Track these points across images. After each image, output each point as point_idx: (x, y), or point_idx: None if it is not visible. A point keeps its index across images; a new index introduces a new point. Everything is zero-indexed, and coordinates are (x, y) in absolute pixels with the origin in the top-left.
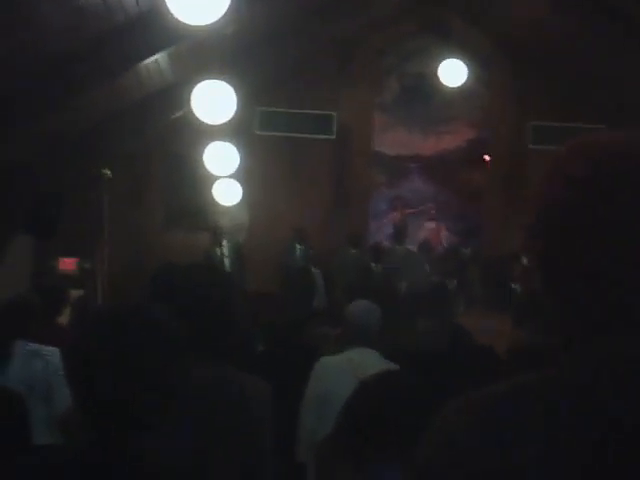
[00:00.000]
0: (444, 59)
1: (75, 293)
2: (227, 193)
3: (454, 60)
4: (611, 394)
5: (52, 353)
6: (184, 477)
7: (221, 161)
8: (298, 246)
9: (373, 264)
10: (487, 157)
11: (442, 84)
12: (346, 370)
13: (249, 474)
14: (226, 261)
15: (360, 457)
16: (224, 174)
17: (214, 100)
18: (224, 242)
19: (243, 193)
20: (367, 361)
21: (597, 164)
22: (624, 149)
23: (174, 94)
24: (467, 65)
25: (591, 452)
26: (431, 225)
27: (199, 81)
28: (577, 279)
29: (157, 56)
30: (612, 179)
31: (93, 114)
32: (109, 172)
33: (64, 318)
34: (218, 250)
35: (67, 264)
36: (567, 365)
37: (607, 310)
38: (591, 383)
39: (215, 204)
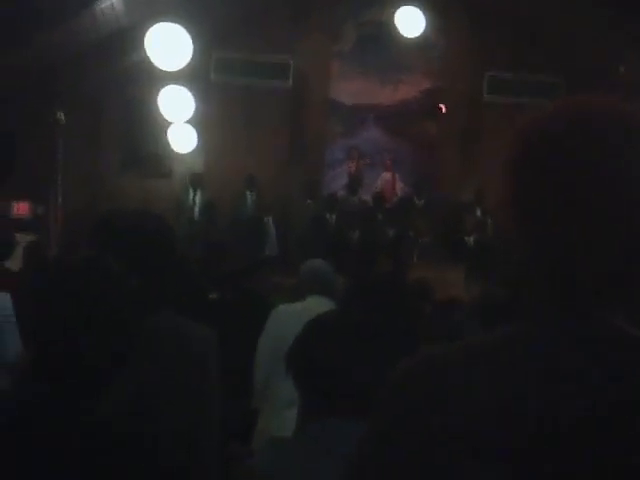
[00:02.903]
0: (402, 7)
1: (28, 238)
2: (182, 139)
3: (412, 8)
4: (573, 365)
5: (1, 298)
6: (134, 428)
7: (176, 106)
8: (249, 193)
9: (327, 214)
10: (443, 107)
11: (399, 33)
12: (302, 317)
13: (198, 420)
14: (196, 210)
15: (311, 408)
16: (179, 120)
17: (169, 44)
18: (198, 191)
19: (198, 140)
20: (324, 308)
21: (572, 122)
22: (602, 112)
23: (129, 37)
24: (425, 14)
25: (540, 423)
26: (386, 176)
27: (154, 24)
28: (547, 227)
29: None
30: (583, 138)
31: (47, 55)
32: (63, 115)
33: (14, 263)
34: (190, 198)
35: (21, 208)
36: (530, 328)
37: (572, 264)
38: (554, 351)
39: (171, 150)
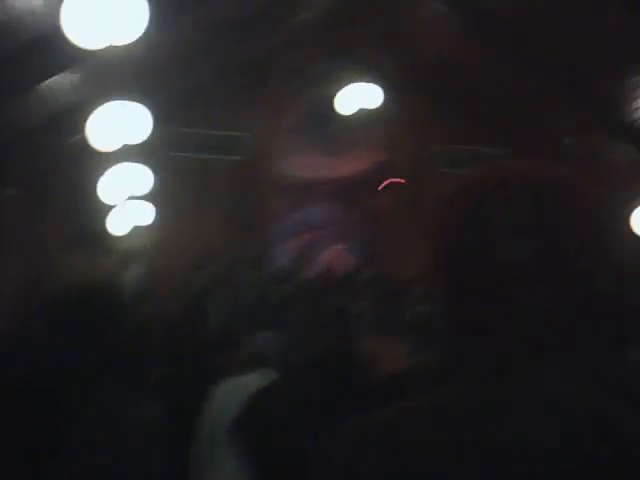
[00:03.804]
0: (352, 82)
1: None
2: (133, 214)
3: (362, 83)
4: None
5: None
6: None
7: (126, 183)
8: (208, 269)
9: (276, 287)
10: (392, 180)
11: (350, 107)
12: (245, 391)
13: None
14: (132, 285)
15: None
16: (129, 196)
17: (121, 121)
18: (133, 266)
19: (149, 215)
20: (268, 382)
21: (493, 192)
22: (530, 179)
23: (79, 114)
24: (375, 88)
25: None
26: (337, 248)
27: (106, 101)
28: (476, 302)
29: (62, 75)
30: (506, 207)
31: None
32: (11, 193)
33: None
34: (131, 272)
35: None
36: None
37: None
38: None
39: (120, 226)
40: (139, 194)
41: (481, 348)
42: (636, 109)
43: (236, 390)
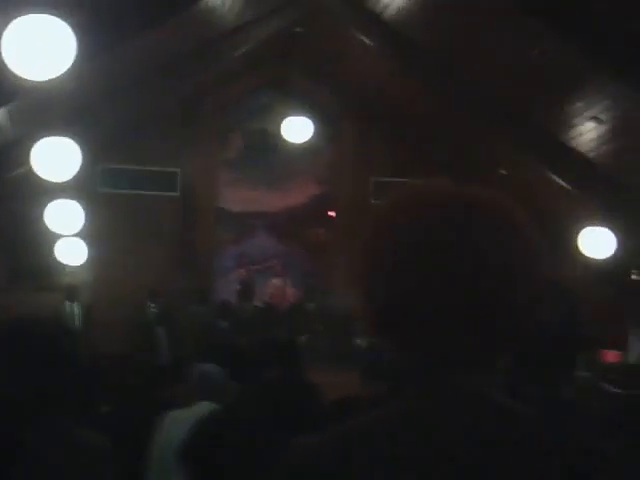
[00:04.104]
0: (288, 116)
1: None
2: (71, 252)
3: (298, 117)
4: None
5: None
6: None
7: (64, 219)
8: (151, 305)
9: (220, 321)
10: (331, 213)
11: (286, 141)
12: (190, 423)
13: None
14: (75, 320)
15: None
16: (67, 233)
17: (56, 157)
18: (75, 302)
19: (87, 252)
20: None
21: (419, 219)
22: (445, 202)
23: (16, 151)
24: (311, 122)
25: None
26: (277, 281)
27: (41, 138)
28: (405, 326)
29: None
30: (433, 232)
31: None
32: None
33: None
34: (68, 308)
35: None
36: (399, 405)
37: (436, 354)
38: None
39: (59, 263)
40: (78, 231)
41: (417, 365)
42: (572, 138)
43: (181, 421)
